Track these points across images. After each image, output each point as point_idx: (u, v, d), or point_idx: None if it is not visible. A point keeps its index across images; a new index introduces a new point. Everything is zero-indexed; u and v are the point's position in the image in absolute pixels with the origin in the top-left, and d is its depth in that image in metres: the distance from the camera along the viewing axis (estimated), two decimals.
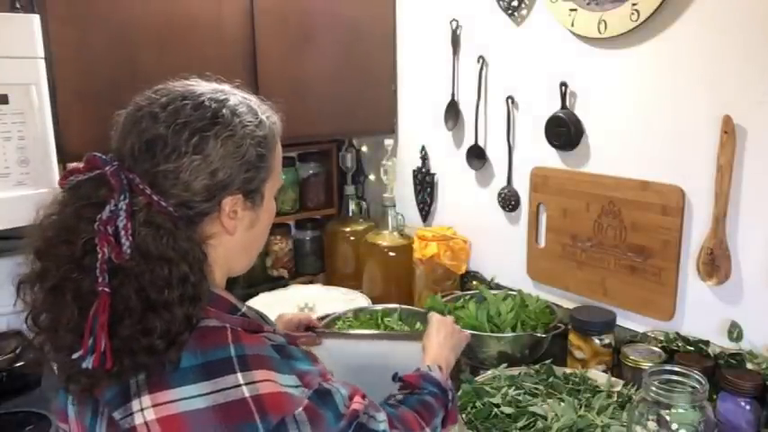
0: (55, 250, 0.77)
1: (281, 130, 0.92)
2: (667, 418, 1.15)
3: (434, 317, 1.26)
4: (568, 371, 1.51)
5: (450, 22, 1.97)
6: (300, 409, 0.78)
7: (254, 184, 0.85)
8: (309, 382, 0.81)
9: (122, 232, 0.74)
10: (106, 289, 0.73)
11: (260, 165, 0.85)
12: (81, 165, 0.80)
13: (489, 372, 1.51)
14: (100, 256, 0.73)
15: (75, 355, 0.73)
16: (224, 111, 0.82)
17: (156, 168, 0.79)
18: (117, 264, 0.74)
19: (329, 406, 0.81)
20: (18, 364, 1.58)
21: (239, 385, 0.75)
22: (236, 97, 0.87)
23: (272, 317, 1.90)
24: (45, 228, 0.79)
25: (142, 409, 0.75)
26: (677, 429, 1.14)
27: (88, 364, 0.73)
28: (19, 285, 0.80)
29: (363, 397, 0.89)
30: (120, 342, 0.73)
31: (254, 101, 0.89)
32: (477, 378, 1.48)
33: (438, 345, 1.17)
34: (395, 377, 1.10)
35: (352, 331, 1.36)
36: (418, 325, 1.68)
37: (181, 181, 0.79)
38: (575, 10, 1.60)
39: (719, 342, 1.42)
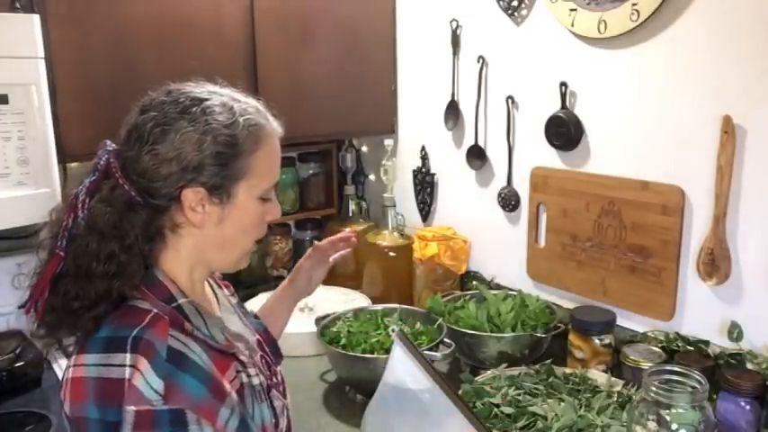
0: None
1: (275, 134, 0.96)
2: (667, 418, 1.15)
3: None
4: (568, 371, 1.51)
5: (450, 22, 1.97)
6: (134, 408, 0.77)
7: (217, 180, 0.88)
8: (172, 399, 0.78)
9: (80, 205, 0.85)
10: (61, 252, 0.84)
11: (226, 163, 0.88)
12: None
13: (489, 372, 1.51)
14: (64, 223, 0.84)
15: (20, 303, 0.85)
16: (194, 108, 0.88)
17: (127, 153, 0.87)
18: (74, 232, 0.84)
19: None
20: (18, 364, 1.58)
21: (124, 365, 0.79)
22: (221, 98, 0.91)
23: None
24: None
25: (69, 367, 0.84)
26: (677, 429, 1.14)
27: (24, 307, 0.84)
28: None
29: None
30: (53, 298, 0.84)
31: (242, 104, 0.93)
32: (477, 378, 1.48)
33: None
34: None
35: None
36: (418, 325, 1.68)
37: (141, 167, 0.86)
38: (575, 10, 1.60)
39: (719, 342, 1.42)
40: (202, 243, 0.92)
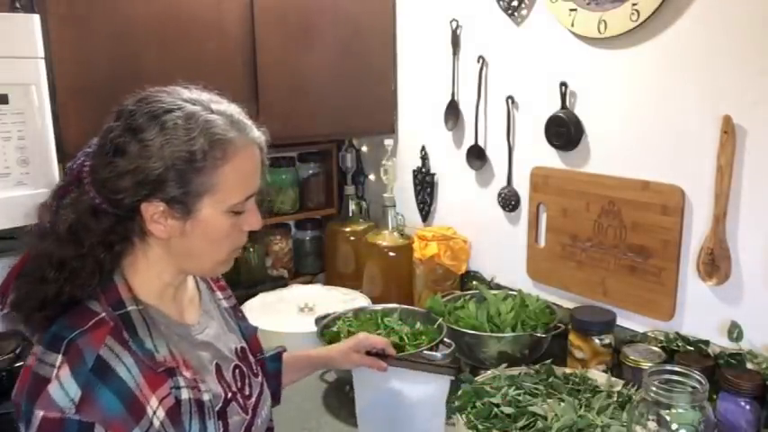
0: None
1: (253, 145, 0.92)
2: (667, 418, 1.15)
3: None
4: (568, 371, 1.51)
5: (450, 22, 1.97)
6: (42, 413, 0.78)
7: (177, 196, 0.86)
8: (85, 411, 0.78)
9: (50, 208, 0.88)
10: (29, 252, 0.88)
11: (183, 179, 0.86)
12: None
13: (489, 372, 1.51)
14: (36, 223, 0.88)
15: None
16: (153, 122, 0.86)
17: (92, 161, 0.88)
18: (42, 232, 0.87)
19: None
20: (18, 364, 1.57)
21: (54, 366, 0.81)
22: (191, 108, 0.88)
23: (273, 316, 1.92)
24: None
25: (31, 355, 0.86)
26: (677, 429, 1.14)
27: None
28: None
29: None
30: (12, 295, 0.88)
31: (214, 115, 0.88)
32: (477, 378, 1.48)
33: None
34: None
35: (419, 360, 1.35)
36: (418, 325, 1.68)
37: (102, 177, 0.86)
38: (575, 10, 1.60)
39: (719, 342, 1.42)
40: (170, 251, 0.92)
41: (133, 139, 0.85)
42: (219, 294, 1.14)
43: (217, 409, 0.94)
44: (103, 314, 0.86)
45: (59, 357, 0.81)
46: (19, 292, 0.87)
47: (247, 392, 1.04)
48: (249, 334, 1.14)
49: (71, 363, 0.80)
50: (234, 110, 0.92)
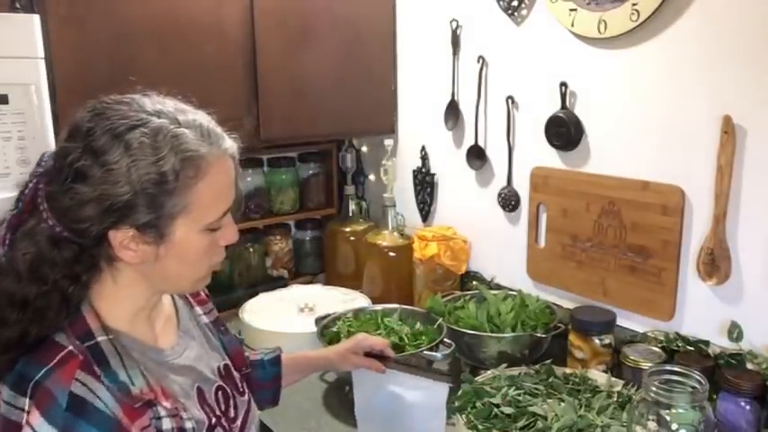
0: None
1: (225, 156, 0.86)
2: (667, 418, 1.15)
3: None
4: (568, 371, 1.51)
5: (450, 22, 1.97)
6: None
7: (149, 220, 0.80)
8: None
9: (0, 240, 0.79)
10: None
11: (153, 203, 0.79)
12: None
13: (489, 372, 1.51)
14: None
15: None
16: (113, 144, 0.78)
17: (49, 187, 0.80)
18: None
19: None
20: None
21: (23, 410, 0.76)
22: (157, 122, 0.80)
23: (273, 316, 1.92)
24: None
25: None
26: (677, 429, 1.14)
27: None
28: None
29: None
30: None
31: (181, 130, 0.81)
32: (477, 378, 1.48)
33: None
34: None
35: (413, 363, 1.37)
36: (418, 325, 1.68)
37: (62, 206, 0.78)
38: (575, 10, 1.60)
39: (719, 342, 1.42)
40: (144, 274, 0.86)
41: (94, 162, 0.77)
42: (199, 310, 1.08)
43: None
44: (71, 347, 0.79)
45: (27, 401, 0.76)
46: None
47: (232, 415, 0.99)
48: (232, 348, 1.09)
49: (42, 407, 0.75)
50: (203, 119, 0.85)
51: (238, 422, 1.00)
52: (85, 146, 0.78)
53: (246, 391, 1.07)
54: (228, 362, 1.06)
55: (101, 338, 0.82)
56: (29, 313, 0.79)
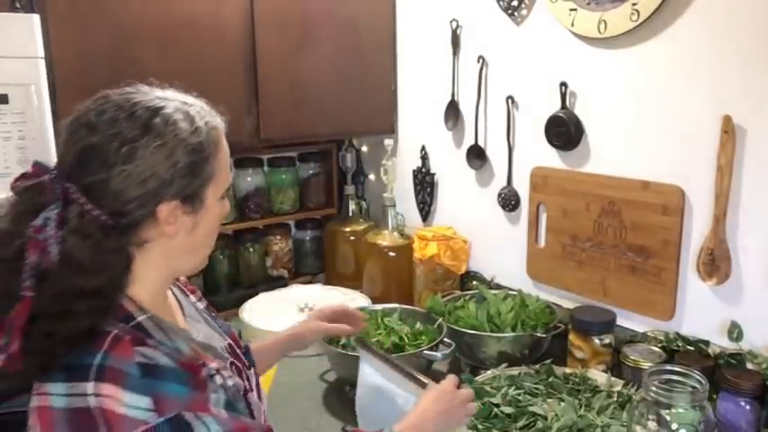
0: None
1: (224, 131, 0.94)
2: (667, 417, 1.15)
3: (445, 385, 1.14)
4: (568, 371, 1.51)
5: (450, 22, 1.97)
6: None
7: (191, 189, 0.86)
8: (165, 409, 0.78)
9: (51, 240, 0.78)
10: (29, 293, 0.76)
11: (196, 171, 0.86)
12: (30, 170, 0.84)
13: (489, 372, 1.51)
14: (28, 261, 0.77)
15: None
16: (156, 120, 0.84)
17: (89, 178, 0.81)
18: (44, 268, 0.77)
19: None
20: None
21: (87, 395, 0.77)
22: (174, 104, 0.87)
23: (273, 316, 1.92)
24: None
25: (34, 394, 0.81)
26: (677, 429, 1.15)
27: None
28: None
29: None
30: (29, 342, 0.77)
31: (194, 107, 0.90)
32: (477, 378, 1.48)
33: (422, 412, 1.09)
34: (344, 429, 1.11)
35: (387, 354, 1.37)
36: (418, 325, 1.68)
37: (112, 190, 0.81)
38: (575, 10, 1.60)
39: (719, 342, 1.42)
40: (173, 251, 0.90)
41: (139, 143, 0.82)
42: (193, 298, 1.13)
43: (241, 393, 0.95)
44: (115, 331, 0.82)
45: (91, 384, 0.77)
46: (48, 335, 0.78)
47: (248, 386, 1.04)
48: (228, 331, 1.14)
49: (120, 382, 0.77)
50: (196, 99, 0.92)
51: (254, 393, 1.04)
52: (123, 128, 0.82)
53: (251, 365, 1.12)
54: (231, 341, 1.10)
55: (141, 318, 0.85)
56: (99, 301, 0.80)
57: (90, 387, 0.77)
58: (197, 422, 0.79)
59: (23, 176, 0.83)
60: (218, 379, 0.88)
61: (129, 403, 0.76)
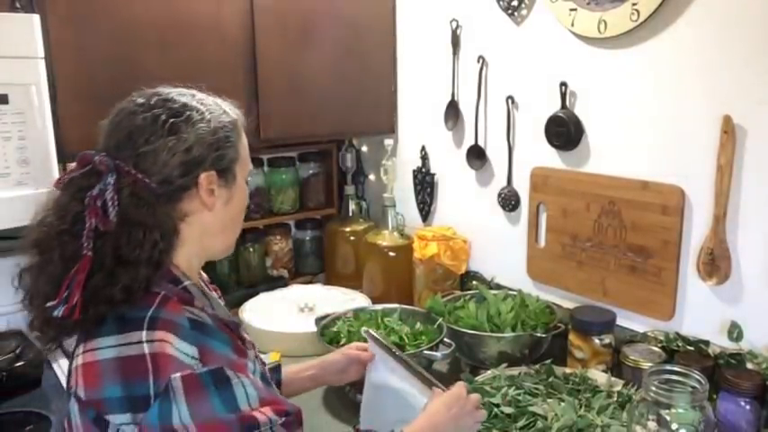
0: (49, 226, 0.88)
1: (244, 123, 1.04)
2: (667, 417, 1.15)
3: (456, 391, 1.14)
4: (568, 371, 1.51)
5: (450, 22, 1.97)
6: (179, 374, 0.80)
7: (225, 162, 0.96)
8: (210, 360, 0.84)
9: (110, 203, 0.85)
10: (89, 253, 0.84)
11: (228, 145, 0.96)
12: (74, 165, 0.91)
13: (489, 372, 1.51)
14: (87, 225, 0.84)
15: (49, 304, 0.84)
16: (192, 101, 0.95)
17: (137, 151, 0.89)
18: (103, 231, 0.85)
19: (221, 391, 0.83)
20: (18, 364, 1.58)
21: (141, 342, 0.82)
22: (201, 93, 0.99)
23: (273, 316, 1.92)
24: (41, 221, 0.89)
25: (78, 354, 0.87)
26: (677, 429, 1.14)
27: (59, 312, 0.83)
28: (20, 274, 0.90)
29: (285, 414, 0.89)
30: (89, 293, 0.84)
31: (217, 99, 1.01)
32: (477, 378, 1.48)
33: (431, 417, 1.09)
34: (355, 428, 1.16)
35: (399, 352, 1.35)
36: (418, 325, 1.68)
37: (160, 159, 0.90)
38: (575, 10, 1.60)
39: (719, 342, 1.42)
40: (207, 228, 0.97)
41: (182, 117, 0.92)
42: (215, 294, 1.14)
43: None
44: (164, 291, 0.88)
45: (145, 333, 0.83)
46: (108, 285, 0.84)
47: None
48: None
49: (171, 330, 0.84)
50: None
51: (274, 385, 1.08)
52: (169, 107, 0.92)
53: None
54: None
55: (187, 282, 0.93)
56: (156, 253, 0.87)
57: (143, 335, 0.83)
58: (236, 380, 0.85)
59: (68, 172, 0.91)
60: (252, 354, 0.96)
61: (179, 348, 0.83)
